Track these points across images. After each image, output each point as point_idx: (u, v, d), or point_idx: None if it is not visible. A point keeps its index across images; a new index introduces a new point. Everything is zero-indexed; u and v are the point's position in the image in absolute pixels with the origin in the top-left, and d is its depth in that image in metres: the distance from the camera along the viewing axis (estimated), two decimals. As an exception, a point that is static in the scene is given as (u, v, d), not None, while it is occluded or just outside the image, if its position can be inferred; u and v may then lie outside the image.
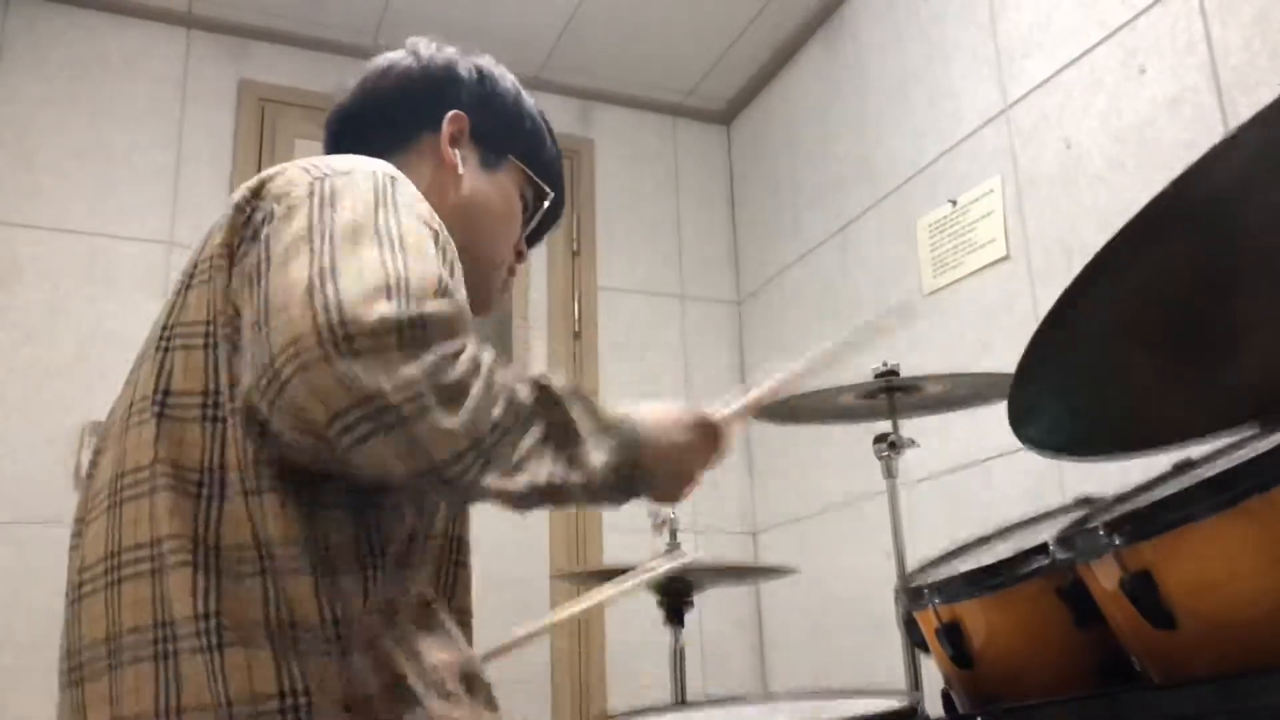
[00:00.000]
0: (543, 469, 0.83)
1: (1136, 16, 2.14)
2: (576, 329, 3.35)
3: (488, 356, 0.81)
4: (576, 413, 0.87)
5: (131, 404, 0.91)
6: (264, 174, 0.94)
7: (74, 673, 0.87)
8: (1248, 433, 1.11)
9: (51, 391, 2.65)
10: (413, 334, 0.76)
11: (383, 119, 1.15)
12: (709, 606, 2.65)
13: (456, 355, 0.78)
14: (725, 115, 3.72)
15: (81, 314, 2.75)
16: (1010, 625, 1.11)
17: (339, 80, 1.23)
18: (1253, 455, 0.85)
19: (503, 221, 1.16)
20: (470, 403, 0.77)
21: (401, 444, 0.75)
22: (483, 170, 1.15)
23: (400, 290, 0.78)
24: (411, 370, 0.75)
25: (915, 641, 1.26)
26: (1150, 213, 0.88)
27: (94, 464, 0.96)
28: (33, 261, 2.75)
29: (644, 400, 0.99)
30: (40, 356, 2.68)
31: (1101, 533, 0.90)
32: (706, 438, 1.03)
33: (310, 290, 0.76)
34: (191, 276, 0.92)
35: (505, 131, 1.17)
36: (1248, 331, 1.07)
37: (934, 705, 1.30)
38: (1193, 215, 0.92)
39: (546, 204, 1.20)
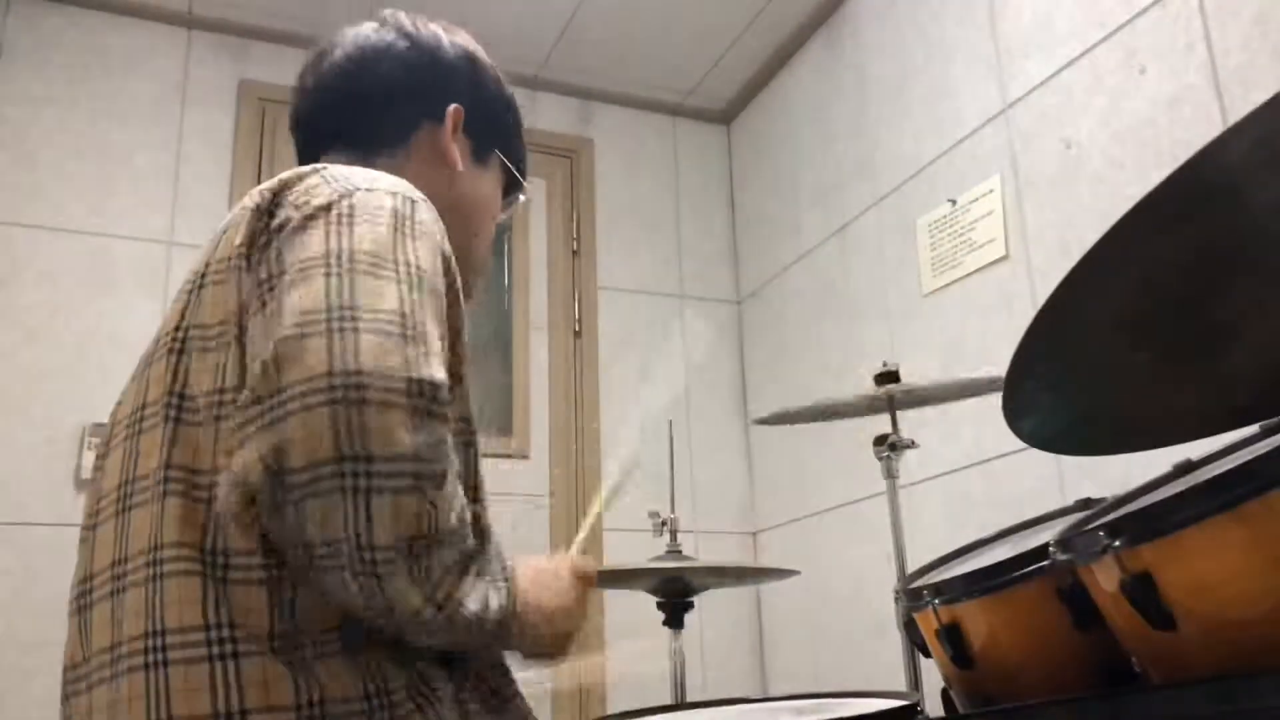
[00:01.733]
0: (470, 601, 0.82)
1: (1136, 16, 2.14)
2: (576, 329, 3.36)
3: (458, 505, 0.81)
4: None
5: (143, 406, 0.89)
6: (284, 177, 0.92)
7: (79, 682, 0.86)
8: (1247, 434, 1.11)
9: (51, 391, 2.65)
10: (417, 402, 0.76)
11: (379, 109, 1.10)
12: (709, 607, 2.65)
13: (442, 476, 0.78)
14: (725, 115, 3.72)
15: (81, 314, 2.75)
16: (1010, 626, 1.11)
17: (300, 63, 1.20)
18: (1252, 457, 0.85)
19: (491, 217, 1.16)
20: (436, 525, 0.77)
21: (352, 507, 0.74)
22: (474, 165, 1.13)
23: (414, 346, 0.78)
24: (406, 444, 0.75)
25: (915, 642, 1.26)
26: (1147, 207, 0.88)
27: (98, 468, 0.94)
28: (33, 261, 2.75)
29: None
30: (40, 356, 2.68)
31: (1101, 534, 0.90)
32: (583, 593, 1.00)
33: (329, 328, 0.76)
34: (204, 276, 0.91)
35: (494, 124, 1.16)
36: (1245, 326, 1.07)
37: (934, 705, 1.30)
38: (1190, 210, 0.92)
39: (521, 197, 1.19)
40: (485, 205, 1.14)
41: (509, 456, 3.15)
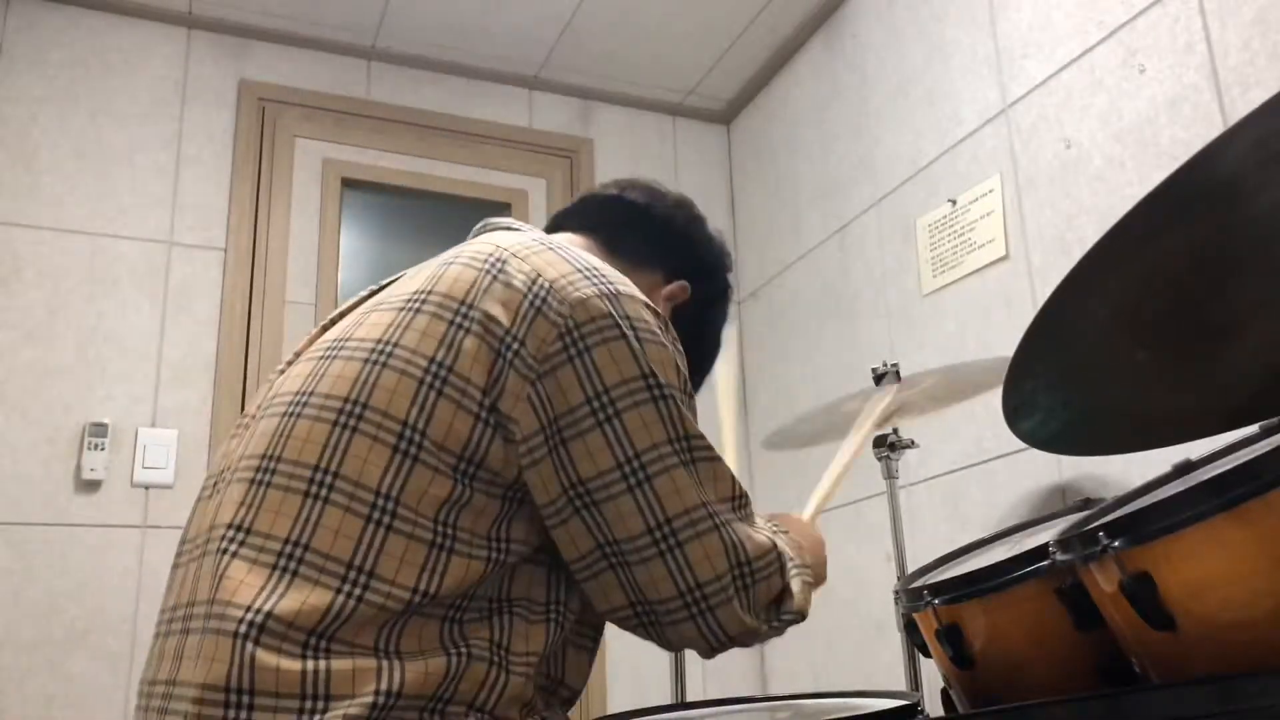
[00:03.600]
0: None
1: (1136, 16, 2.14)
2: (576, 329, 3.35)
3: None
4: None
5: (309, 394, 0.91)
6: (535, 260, 0.94)
7: (183, 621, 0.87)
8: (1247, 434, 1.11)
9: (51, 391, 2.65)
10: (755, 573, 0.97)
11: (636, 227, 1.17)
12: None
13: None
14: (725, 115, 3.72)
15: (81, 314, 2.75)
16: (1010, 627, 1.12)
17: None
18: (1252, 457, 0.85)
19: None
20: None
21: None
22: None
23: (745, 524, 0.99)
24: (764, 605, 1.01)
25: (915, 643, 1.26)
26: (1147, 207, 0.88)
27: (244, 426, 0.99)
28: (33, 261, 2.76)
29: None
30: (40, 356, 2.68)
31: (1101, 535, 0.90)
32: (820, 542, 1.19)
33: (721, 533, 0.93)
34: (421, 303, 0.92)
35: (692, 336, 1.17)
36: (1245, 326, 1.07)
37: (934, 705, 1.30)
38: (1190, 210, 0.92)
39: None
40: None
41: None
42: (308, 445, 0.88)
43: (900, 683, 1.90)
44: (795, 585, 1.02)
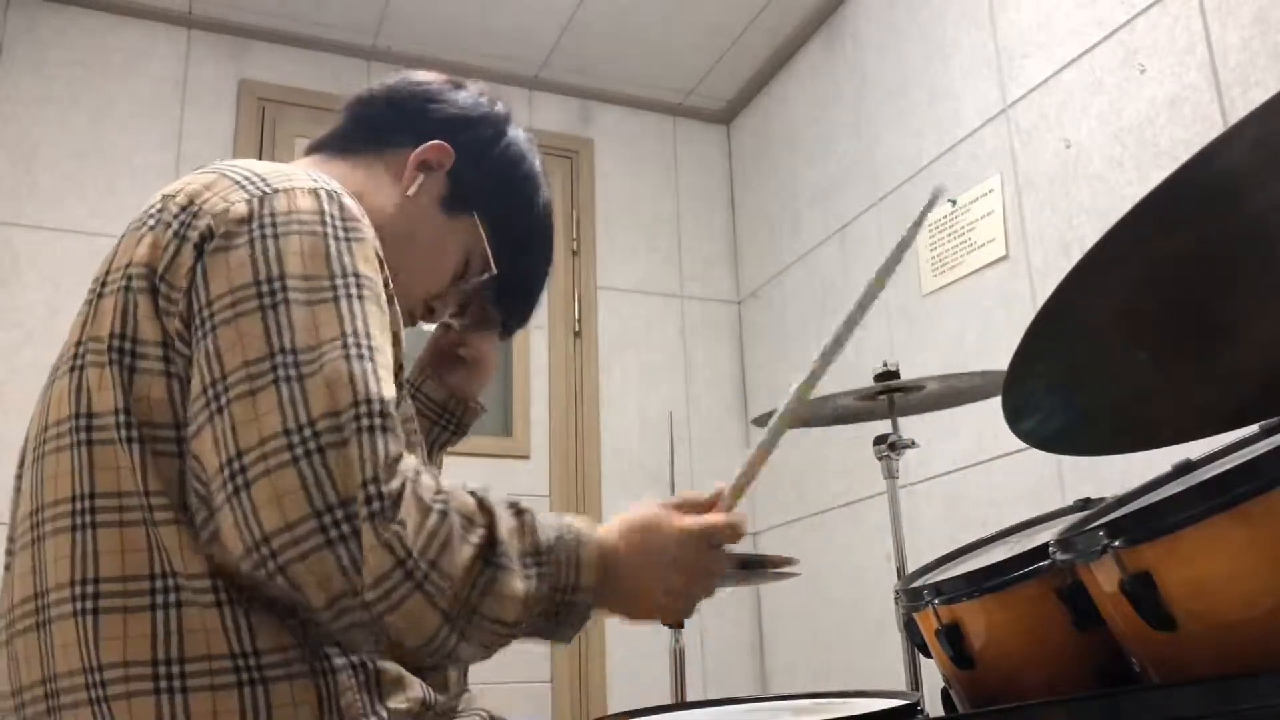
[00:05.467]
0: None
1: (1136, 16, 2.14)
2: (576, 329, 3.36)
3: (425, 485, 0.79)
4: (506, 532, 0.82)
5: (45, 428, 0.87)
6: (190, 187, 0.88)
7: (18, 712, 0.84)
8: (1247, 434, 1.11)
9: (51, 392, 2.65)
10: (387, 505, 0.76)
11: (372, 117, 1.10)
12: (709, 607, 2.65)
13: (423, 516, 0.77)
14: (725, 115, 3.72)
15: (81, 314, 2.75)
16: (1010, 626, 1.11)
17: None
18: (1252, 457, 0.85)
19: (423, 265, 1.07)
20: (448, 577, 0.77)
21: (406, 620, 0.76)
22: (438, 208, 1.07)
23: (359, 363, 0.79)
24: (391, 555, 0.75)
25: (915, 642, 1.26)
26: (1147, 207, 0.88)
27: (17, 489, 0.91)
28: (33, 261, 2.76)
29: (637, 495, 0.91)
30: (40, 356, 2.67)
31: (1101, 534, 0.90)
32: (705, 538, 0.91)
33: (276, 377, 0.77)
34: (104, 285, 0.88)
35: (490, 190, 1.10)
36: (1245, 326, 1.07)
37: (934, 705, 1.30)
38: (1190, 210, 0.92)
39: (485, 276, 1.12)
40: (427, 248, 1.07)
41: (508, 456, 3.15)
42: (59, 480, 0.83)
43: (900, 683, 1.90)
44: (507, 579, 0.79)
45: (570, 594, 0.83)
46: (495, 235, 1.10)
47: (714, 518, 0.93)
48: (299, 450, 0.75)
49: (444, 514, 0.78)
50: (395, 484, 0.76)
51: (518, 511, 0.84)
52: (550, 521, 0.86)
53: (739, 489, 0.96)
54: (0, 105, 2.84)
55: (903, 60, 2.84)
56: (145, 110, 2.99)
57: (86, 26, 2.98)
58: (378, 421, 0.78)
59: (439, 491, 0.79)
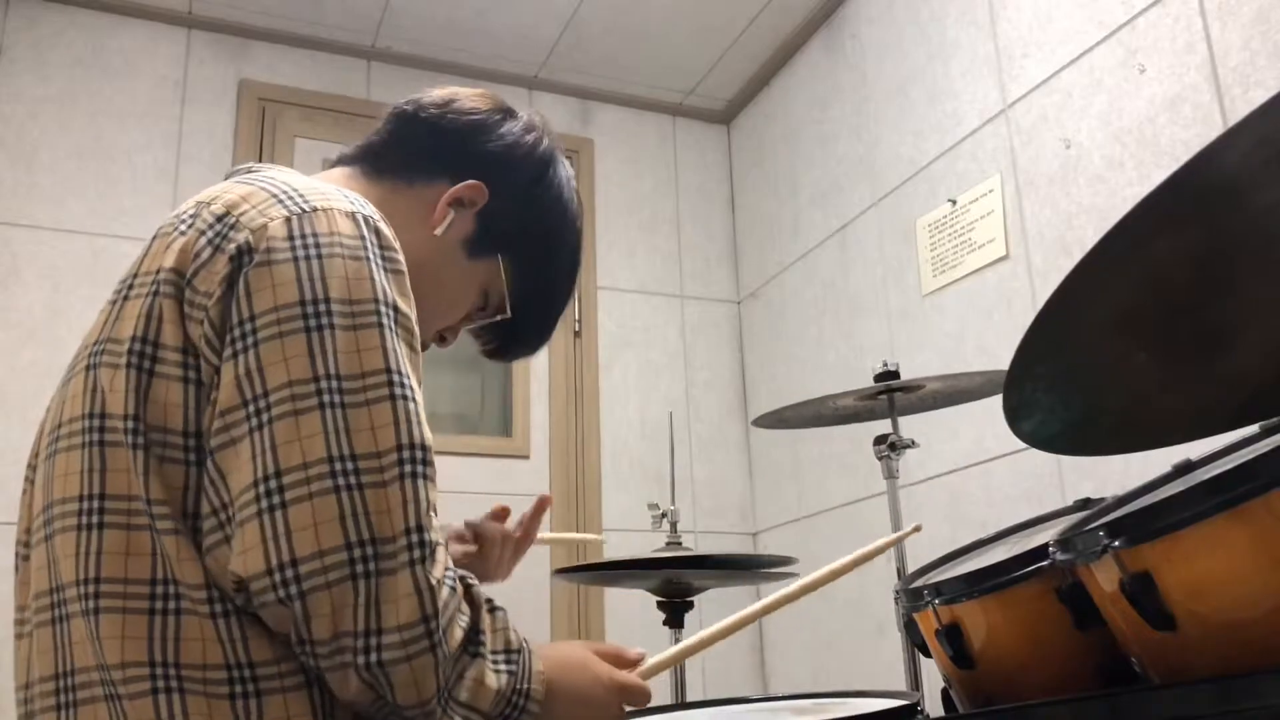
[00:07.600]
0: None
1: (1136, 16, 2.14)
2: (576, 329, 3.36)
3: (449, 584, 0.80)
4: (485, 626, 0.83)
5: (59, 424, 0.87)
6: (228, 196, 0.87)
7: (27, 705, 0.84)
8: (1247, 434, 1.11)
9: (51, 392, 2.65)
10: (423, 568, 0.77)
11: (417, 144, 1.07)
12: (709, 607, 2.65)
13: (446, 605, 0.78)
14: (725, 115, 3.72)
15: (81, 314, 2.74)
16: (1010, 627, 1.11)
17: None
18: (1252, 457, 0.85)
19: (442, 301, 1.06)
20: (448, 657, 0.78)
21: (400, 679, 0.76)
22: (463, 248, 1.05)
23: (401, 405, 0.80)
24: (417, 614, 0.76)
25: (915, 643, 1.26)
26: (1147, 207, 0.88)
27: (30, 481, 0.92)
28: (33, 261, 2.75)
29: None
30: (40, 356, 2.67)
31: (1101, 534, 0.90)
32: (620, 694, 0.93)
33: (337, 488, 0.76)
34: (130, 288, 0.87)
35: (515, 233, 1.07)
36: (1245, 326, 1.07)
37: (934, 705, 1.30)
38: (1190, 210, 0.92)
39: (499, 318, 1.09)
40: (447, 287, 1.05)
41: (508, 457, 3.15)
42: (69, 479, 0.83)
43: (900, 683, 1.90)
44: (483, 670, 0.81)
45: (525, 700, 0.84)
46: (517, 278, 1.08)
47: (634, 678, 0.94)
48: (340, 480, 0.76)
49: (453, 590, 0.79)
50: (436, 536, 0.78)
51: (491, 609, 0.85)
52: (513, 625, 0.87)
53: (663, 664, 0.98)
54: (0, 105, 2.84)
55: (903, 60, 2.84)
56: (145, 110, 2.99)
57: (86, 26, 2.98)
58: (420, 469, 0.79)
59: (448, 566, 0.80)
